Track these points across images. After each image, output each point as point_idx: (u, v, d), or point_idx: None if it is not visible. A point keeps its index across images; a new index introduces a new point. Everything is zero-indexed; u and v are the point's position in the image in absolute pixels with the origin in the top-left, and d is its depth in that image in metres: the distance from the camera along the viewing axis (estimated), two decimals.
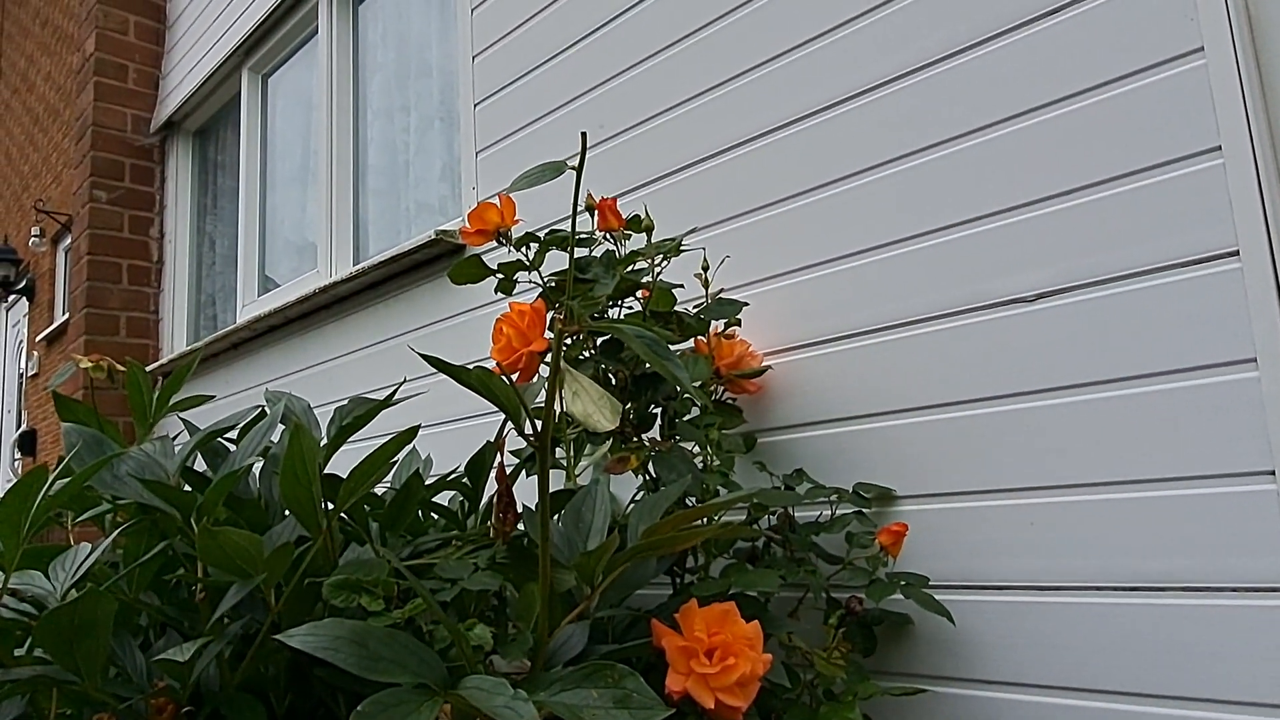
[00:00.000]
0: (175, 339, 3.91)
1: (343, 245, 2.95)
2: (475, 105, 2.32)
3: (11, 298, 7.26)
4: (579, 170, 0.79)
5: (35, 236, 5.87)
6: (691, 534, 0.92)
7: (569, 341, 1.35)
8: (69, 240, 5.70)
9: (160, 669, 0.98)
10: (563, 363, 0.83)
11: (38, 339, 6.34)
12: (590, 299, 0.97)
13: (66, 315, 4.91)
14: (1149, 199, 1.17)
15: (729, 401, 1.53)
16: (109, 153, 3.99)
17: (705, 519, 0.94)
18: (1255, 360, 1.08)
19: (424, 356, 0.83)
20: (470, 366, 0.83)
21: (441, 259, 2.35)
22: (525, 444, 1.43)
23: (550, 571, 0.95)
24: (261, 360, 3.12)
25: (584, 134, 0.79)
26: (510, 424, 0.89)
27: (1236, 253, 1.10)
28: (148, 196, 4.05)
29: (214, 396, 1.45)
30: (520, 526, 1.07)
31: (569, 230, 1.38)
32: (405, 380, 1.50)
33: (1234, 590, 1.08)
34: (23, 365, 7.06)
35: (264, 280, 3.53)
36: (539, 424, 0.87)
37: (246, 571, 0.99)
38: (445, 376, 2.34)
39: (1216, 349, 1.10)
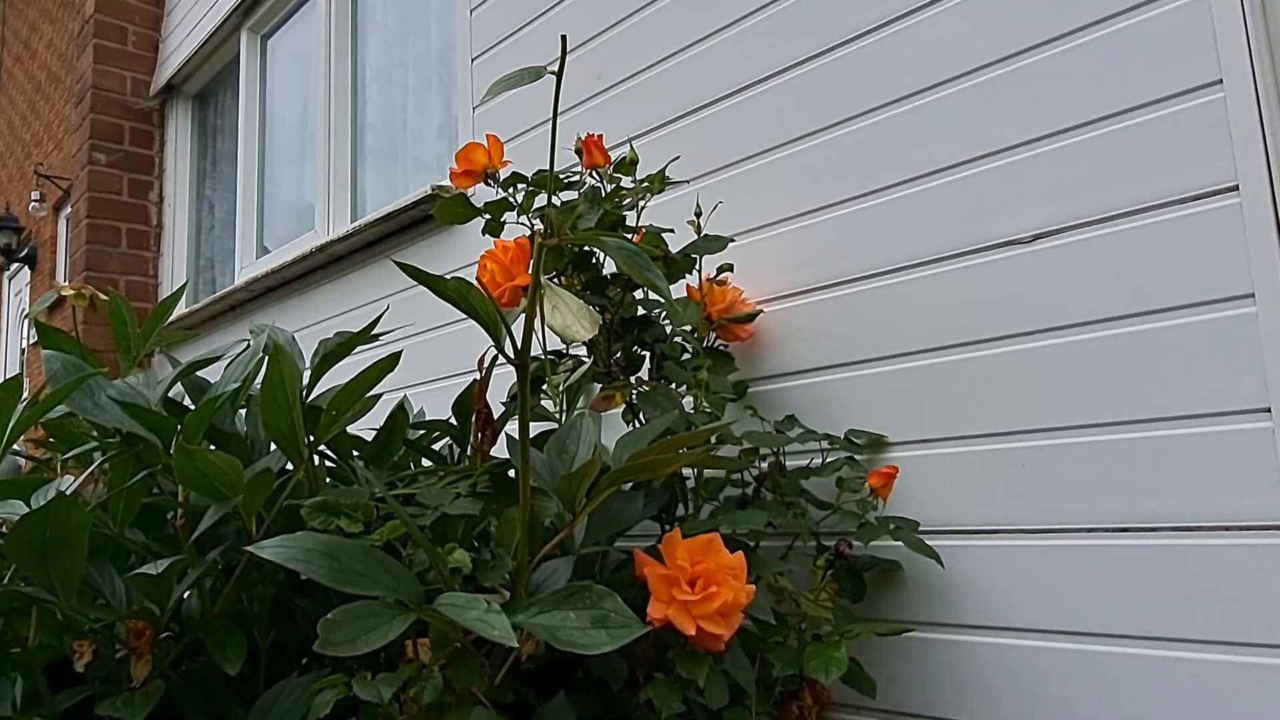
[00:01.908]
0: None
1: (340, 205, 2.93)
2: (472, 60, 2.30)
3: (14, 266, 7.26)
4: (559, 75, 0.77)
5: (35, 201, 5.85)
6: (675, 459, 0.90)
7: (558, 283, 1.34)
8: (69, 209, 5.68)
9: (134, 588, 0.97)
10: (542, 278, 0.82)
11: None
12: (570, 210, 0.95)
13: (66, 281, 4.89)
14: (1148, 135, 1.15)
15: (720, 348, 1.51)
16: (108, 115, 3.97)
17: (691, 446, 0.92)
18: (1253, 296, 1.06)
19: (400, 265, 0.82)
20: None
21: None
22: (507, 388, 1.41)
23: (531, 497, 0.94)
24: (259, 322, 3.11)
25: (564, 36, 0.77)
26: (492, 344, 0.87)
27: (1236, 187, 1.08)
28: (147, 160, 4.03)
29: (199, 334, 1.44)
30: (504, 455, 1.06)
31: (563, 174, 1.37)
32: (389, 309, 1.48)
33: (1227, 529, 1.06)
34: (25, 334, 7.07)
35: (262, 244, 3.52)
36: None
37: (225, 495, 0.98)
38: (439, 332, 2.32)
39: (1214, 285, 1.08)
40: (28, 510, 1.06)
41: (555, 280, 1.29)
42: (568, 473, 0.89)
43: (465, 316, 2.33)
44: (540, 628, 0.85)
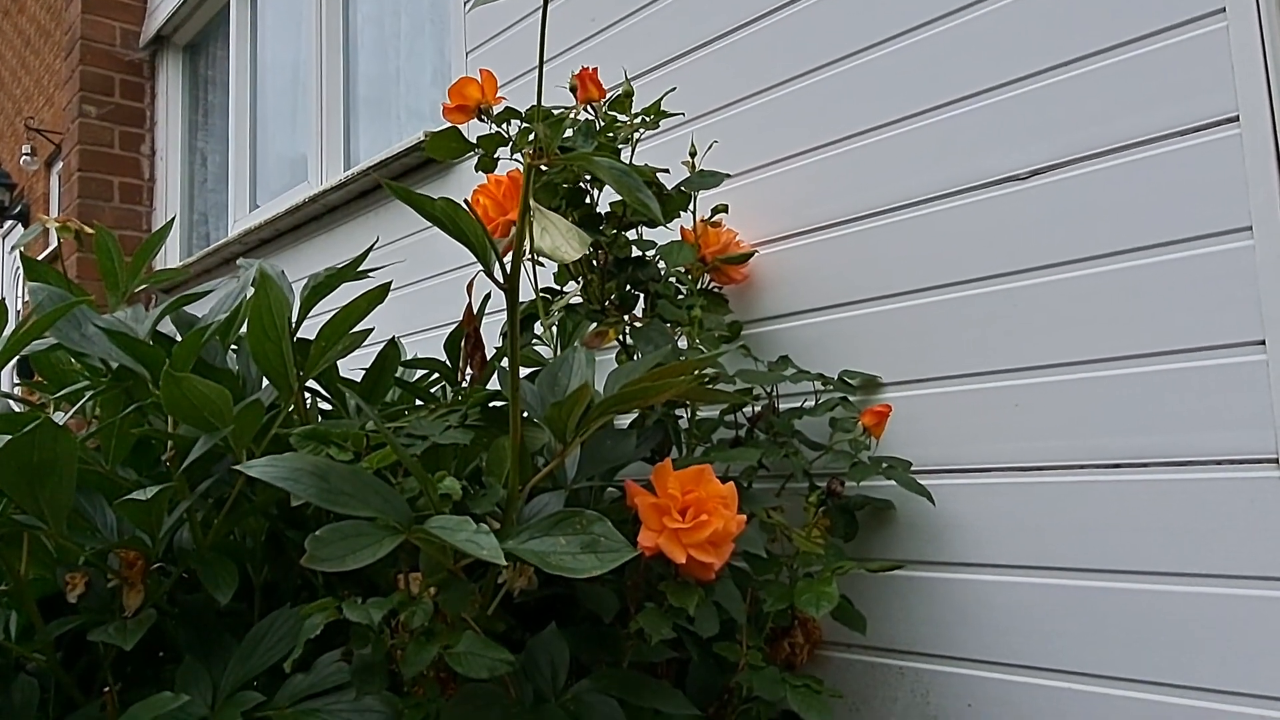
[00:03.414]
0: (168, 257, 3.87)
1: (333, 154, 2.90)
2: (465, 3, 2.26)
3: (8, 224, 7.21)
4: None
5: (26, 155, 5.79)
6: (669, 385, 0.90)
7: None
8: (61, 163, 5.62)
9: (124, 514, 0.97)
10: (531, 201, 0.81)
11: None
12: (559, 124, 0.94)
13: (60, 239, 4.86)
14: (1149, 67, 1.13)
15: (715, 290, 1.50)
16: (98, 67, 3.91)
17: (684, 375, 0.91)
18: (1250, 229, 1.05)
19: (388, 185, 0.80)
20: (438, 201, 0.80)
21: (431, 163, 2.31)
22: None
23: (521, 426, 0.93)
24: None
25: None
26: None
27: (1236, 118, 1.06)
28: (138, 112, 3.98)
29: (190, 270, 1.42)
30: (494, 386, 1.05)
31: (557, 109, 1.35)
32: (378, 240, 1.47)
33: (1219, 464, 1.06)
34: (19, 292, 7.03)
35: (255, 197, 3.49)
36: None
37: (215, 426, 0.98)
38: (433, 282, 2.30)
39: (1212, 219, 1.07)
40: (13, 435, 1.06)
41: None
42: (558, 400, 0.88)
43: (460, 266, 2.31)
44: (530, 553, 0.85)
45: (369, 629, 0.87)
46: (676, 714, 1.02)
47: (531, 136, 1.31)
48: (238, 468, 0.79)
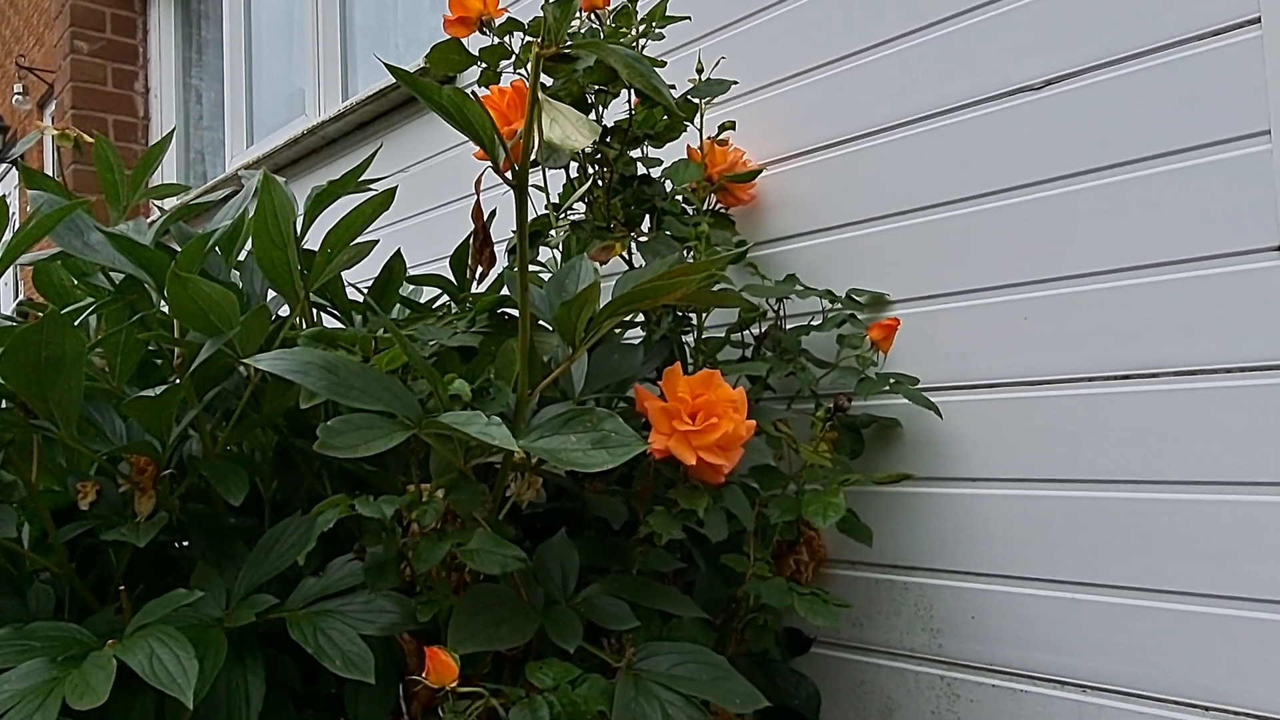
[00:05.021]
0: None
1: (330, 86, 2.85)
2: None
3: (2, 168, 7.14)
4: None
5: (18, 94, 5.71)
6: (678, 284, 0.89)
7: None
8: (54, 103, 5.54)
9: (133, 414, 0.96)
10: (539, 92, 0.79)
11: (28, 209, 6.23)
12: (567, 6, 0.92)
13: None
14: None
15: (721, 211, 1.48)
16: (88, 1, 3.83)
17: (694, 275, 0.90)
18: (1269, 132, 1.03)
19: (390, 68, 0.79)
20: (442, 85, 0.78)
21: None
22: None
23: (530, 329, 0.93)
24: None
25: None
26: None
27: (1258, 19, 1.04)
28: (130, 49, 3.92)
29: (189, 187, 1.41)
30: (502, 293, 1.05)
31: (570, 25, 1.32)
32: (381, 147, 1.45)
33: (1229, 371, 1.06)
34: None
35: (252, 133, 3.44)
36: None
37: (222, 331, 0.97)
38: (439, 213, 2.27)
39: (1230, 123, 1.06)
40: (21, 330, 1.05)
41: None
42: (566, 300, 0.88)
43: (460, 197, 2.27)
44: (542, 450, 0.85)
45: (381, 525, 0.87)
46: (684, 616, 1.03)
47: (534, 44, 1.28)
48: (246, 360, 0.79)
